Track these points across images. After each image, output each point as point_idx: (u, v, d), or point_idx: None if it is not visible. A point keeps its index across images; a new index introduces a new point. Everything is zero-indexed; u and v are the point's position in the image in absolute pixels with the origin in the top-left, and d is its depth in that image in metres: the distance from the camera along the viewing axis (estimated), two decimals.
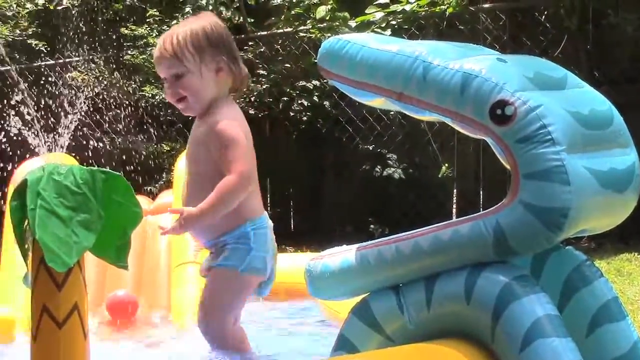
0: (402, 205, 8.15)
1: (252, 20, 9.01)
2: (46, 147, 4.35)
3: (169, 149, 8.63)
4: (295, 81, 8.59)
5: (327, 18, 8.31)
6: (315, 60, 3.08)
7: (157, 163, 8.56)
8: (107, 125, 8.82)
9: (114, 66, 9.10)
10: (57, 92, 8.07)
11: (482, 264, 2.37)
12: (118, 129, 8.83)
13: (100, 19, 9.37)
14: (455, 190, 7.96)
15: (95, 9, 9.41)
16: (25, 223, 2.13)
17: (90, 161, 6.92)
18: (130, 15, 9.37)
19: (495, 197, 2.59)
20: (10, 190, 4.54)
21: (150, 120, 8.75)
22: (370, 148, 8.37)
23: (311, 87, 8.52)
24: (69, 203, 2.10)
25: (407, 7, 7.95)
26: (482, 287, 2.34)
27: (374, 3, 8.08)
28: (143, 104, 8.76)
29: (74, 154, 4.89)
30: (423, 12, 7.98)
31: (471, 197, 7.99)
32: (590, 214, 2.40)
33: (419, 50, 2.49)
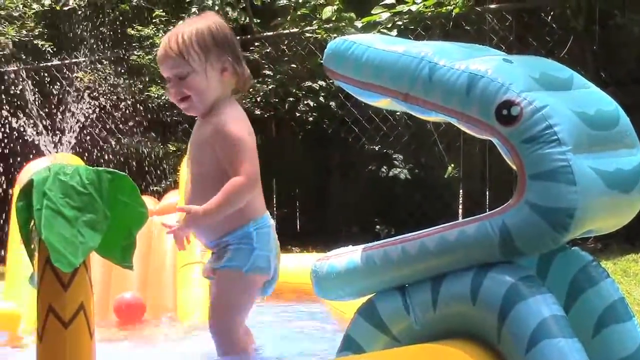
0: (408, 205, 8.14)
1: (259, 20, 9.01)
2: (52, 147, 4.36)
3: (175, 149, 8.63)
4: (301, 82, 8.59)
5: (333, 18, 8.31)
6: (321, 61, 3.08)
7: (163, 163, 8.57)
8: (113, 125, 8.83)
9: (120, 67, 9.11)
10: (63, 93, 8.08)
11: (488, 265, 2.37)
12: (124, 129, 8.84)
13: (106, 19, 9.38)
14: (461, 191, 7.94)
15: (101, 9, 9.43)
16: (32, 223, 2.12)
17: (100, 161, 6.93)
18: (136, 16, 9.37)
19: (501, 198, 2.59)
20: (17, 190, 4.54)
21: (156, 121, 8.77)
22: (377, 148, 8.36)
23: (317, 88, 8.52)
24: (75, 203, 2.10)
25: (413, 8, 7.94)
26: (488, 288, 2.33)
27: (380, 3, 8.08)
28: (149, 105, 8.77)
29: (83, 152, 4.90)
30: (429, 13, 7.98)
31: (477, 197, 7.97)
32: (597, 215, 2.40)
33: (425, 51, 2.49)
